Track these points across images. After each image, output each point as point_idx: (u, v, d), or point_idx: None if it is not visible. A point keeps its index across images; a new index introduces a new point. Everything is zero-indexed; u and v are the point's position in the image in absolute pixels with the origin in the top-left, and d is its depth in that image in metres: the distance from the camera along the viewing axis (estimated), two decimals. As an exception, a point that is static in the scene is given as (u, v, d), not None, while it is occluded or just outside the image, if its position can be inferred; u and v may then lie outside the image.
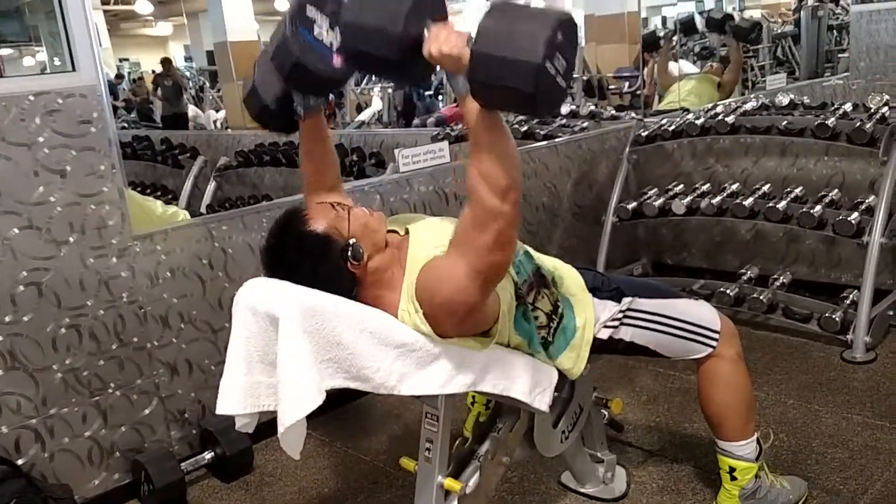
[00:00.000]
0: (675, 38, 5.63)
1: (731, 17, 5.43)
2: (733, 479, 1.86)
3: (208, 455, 2.37)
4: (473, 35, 1.26)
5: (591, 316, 1.73)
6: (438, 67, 1.35)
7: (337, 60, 1.52)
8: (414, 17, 1.30)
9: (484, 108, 1.30)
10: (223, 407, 1.46)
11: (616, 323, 1.78)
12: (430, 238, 1.56)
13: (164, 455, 2.29)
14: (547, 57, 1.19)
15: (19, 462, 2.09)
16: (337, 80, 1.60)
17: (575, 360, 1.71)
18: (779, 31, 6.79)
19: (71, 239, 2.12)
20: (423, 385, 1.50)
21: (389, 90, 6.81)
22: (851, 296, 2.92)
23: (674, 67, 5.47)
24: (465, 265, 1.36)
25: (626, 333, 1.79)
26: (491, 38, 1.23)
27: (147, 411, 2.33)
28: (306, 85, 1.60)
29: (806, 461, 2.16)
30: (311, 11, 1.50)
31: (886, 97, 3.10)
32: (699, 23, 5.83)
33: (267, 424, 1.49)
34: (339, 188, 1.81)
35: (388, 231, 1.64)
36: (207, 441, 2.40)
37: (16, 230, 2.03)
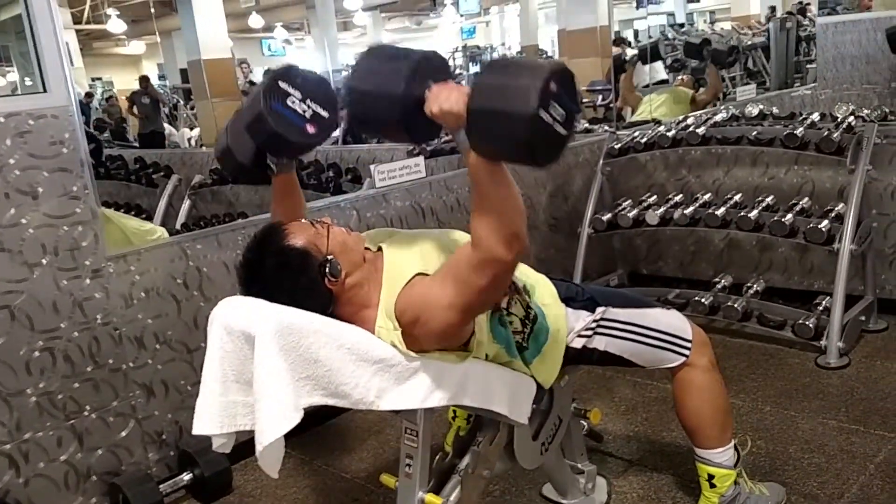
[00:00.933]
0: (638, 62, 5.73)
1: (708, 42, 5.48)
2: (712, 486, 1.88)
3: (187, 476, 2.34)
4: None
5: (564, 326, 1.74)
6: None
7: (311, 128, 1.61)
8: (415, 80, 1.36)
9: (486, 160, 1.33)
10: (199, 427, 1.45)
11: (590, 332, 1.79)
12: (406, 255, 1.57)
13: (142, 477, 2.26)
14: (541, 106, 1.22)
15: (-7, 489, 2.06)
16: (310, 145, 1.68)
17: (547, 368, 1.72)
18: (749, 42, 6.89)
19: (44, 261, 2.10)
20: (403, 400, 1.49)
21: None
22: (824, 302, 2.96)
23: (643, 72, 5.54)
24: (455, 298, 1.40)
25: (599, 343, 1.80)
26: (485, 93, 1.27)
27: (124, 433, 2.30)
28: (279, 149, 1.68)
29: (783, 467, 2.19)
30: (284, 85, 1.58)
31: (853, 107, 3.16)
32: (662, 51, 5.94)
33: (245, 444, 1.48)
34: None
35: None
36: (186, 462, 2.37)
37: (-13, 253, 2.01)
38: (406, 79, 1.35)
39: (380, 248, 1.64)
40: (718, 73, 5.47)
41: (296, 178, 1.81)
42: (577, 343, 1.78)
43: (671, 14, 11.36)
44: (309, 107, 1.61)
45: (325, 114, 1.63)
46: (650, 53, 5.81)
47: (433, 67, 1.40)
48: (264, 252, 1.54)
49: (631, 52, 5.95)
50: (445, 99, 1.33)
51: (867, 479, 2.08)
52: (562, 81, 1.26)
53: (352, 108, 1.46)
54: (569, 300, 1.79)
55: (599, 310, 1.80)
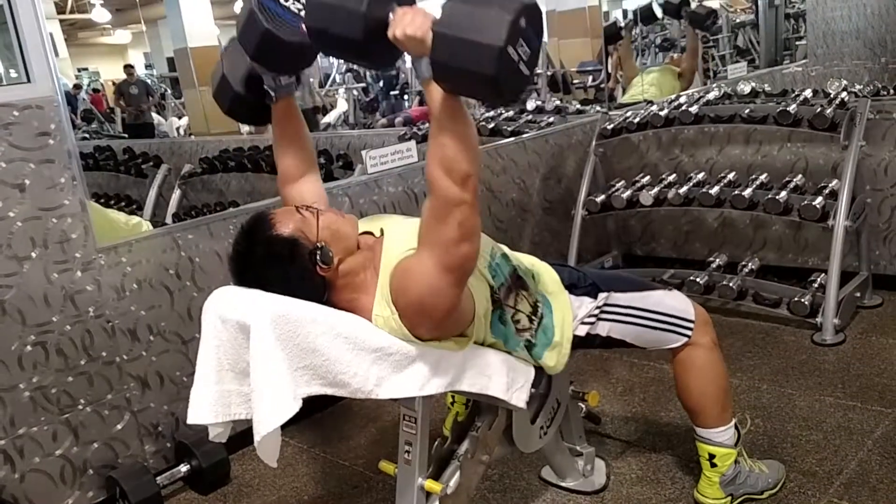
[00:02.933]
0: (634, 29, 5.71)
1: (687, 3, 5.52)
2: (713, 465, 1.88)
3: (184, 468, 2.33)
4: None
5: (569, 313, 1.73)
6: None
7: (305, 29, 1.50)
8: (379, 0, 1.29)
9: (447, 92, 1.29)
10: (194, 417, 1.44)
11: (593, 319, 1.78)
12: (402, 238, 1.53)
13: (139, 470, 2.25)
14: (510, 42, 1.18)
15: (-12, 485, 2.04)
16: (305, 53, 1.58)
17: (557, 357, 1.71)
18: (738, 20, 6.87)
19: (33, 254, 2.07)
20: (401, 388, 1.48)
21: (354, 91, 6.76)
22: (819, 279, 2.96)
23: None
24: (434, 262, 1.35)
25: (603, 329, 1.79)
26: (453, 19, 1.21)
27: (119, 426, 2.29)
28: (275, 58, 1.58)
29: (782, 444, 2.19)
30: None
31: (845, 82, 3.15)
32: (658, 11, 5.89)
33: (243, 434, 1.47)
34: (315, 174, 1.77)
35: (363, 233, 1.63)
36: (183, 453, 2.36)
37: (-25, 247, 1.98)
38: None
39: (383, 233, 1.62)
40: (697, 35, 5.52)
41: (296, 105, 1.72)
42: (581, 330, 1.77)
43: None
44: (304, 5, 1.51)
45: None
46: (644, 17, 5.78)
47: None
48: (252, 243, 1.51)
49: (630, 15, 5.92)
50: (410, 23, 1.26)
51: (865, 455, 2.09)
52: (531, 18, 1.22)
53: (310, 18, 1.37)
54: (571, 287, 1.78)
55: (602, 295, 1.79)
